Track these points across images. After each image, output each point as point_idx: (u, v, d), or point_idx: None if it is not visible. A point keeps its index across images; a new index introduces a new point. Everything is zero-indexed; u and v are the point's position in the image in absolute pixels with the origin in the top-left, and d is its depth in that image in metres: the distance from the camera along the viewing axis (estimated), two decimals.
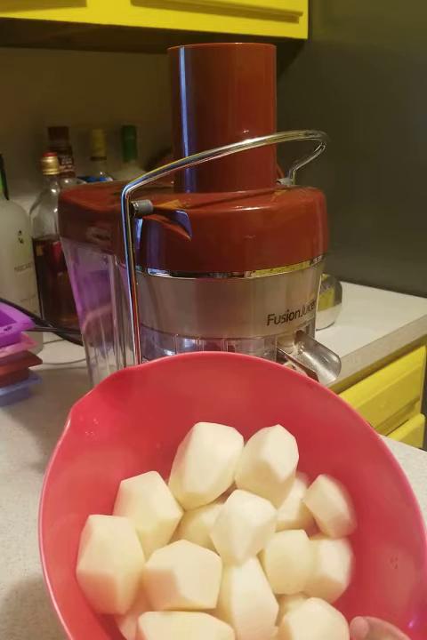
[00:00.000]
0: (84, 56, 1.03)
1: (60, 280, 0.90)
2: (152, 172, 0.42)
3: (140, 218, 0.44)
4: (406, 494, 0.33)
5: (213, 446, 0.36)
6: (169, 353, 0.48)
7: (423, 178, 1.02)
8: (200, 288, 0.44)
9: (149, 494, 0.35)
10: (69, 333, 0.84)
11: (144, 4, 0.80)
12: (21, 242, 0.82)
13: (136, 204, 0.43)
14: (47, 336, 0.89)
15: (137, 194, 0.43)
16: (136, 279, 0.45)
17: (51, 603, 0.27)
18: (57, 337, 0.88)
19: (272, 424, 0.37)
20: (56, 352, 0.86)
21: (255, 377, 0.39)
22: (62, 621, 0.27)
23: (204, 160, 0.42)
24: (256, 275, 0.43)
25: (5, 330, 0.68)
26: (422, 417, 1.11)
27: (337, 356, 0.47)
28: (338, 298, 0.96)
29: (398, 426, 1.07)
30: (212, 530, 0.34)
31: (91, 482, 0.36)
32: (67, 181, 0.94)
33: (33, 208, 0.91)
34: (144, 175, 0.42)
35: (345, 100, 1.09)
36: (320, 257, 0.47)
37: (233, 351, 0.46)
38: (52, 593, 0.27)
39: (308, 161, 0.53)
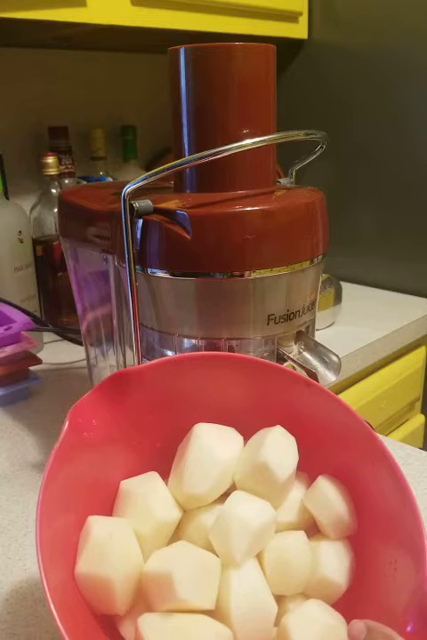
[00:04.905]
0: (84, 56, 1.03)
1: (60, 280, 0.90)
2: (152, 172, 0.42)
3: (140, 218, 0.44)
4: (406, 496, 0.33)
5: (212, 447, 0.36)
6: (169, 353, 0.48)
7: (424, 178, 1.02)
8: (200, 288, 0.44)
9: (148, 495, 0.35)
10: (69, 333, 0.84)
11: (144, 4, 0.80)
12: (21, 242, 0.82)
13: (136, 204, 0.43)
14: (47, 336, 0.89)
15: (137, 194, 0.43)
16: (136, 279, 0.45)
17: (47, 604, 0.27)
18: (57, 337, 0.88)
19: (272, 424, 0.37)
20: (56, 352, 0.86)
21: (255, 377, 0.39)
22: (58, 623, 0.27)
23: (204, 160, 0.42)
24: (256, 275, 0.43)
25: (5, 330, 0.68)
26: (422, 417, 1.11)
27: (337, 356, 0.47)
28: (338, 298, 0.96)
29: (398, 426, 1.07)
30: (211, 531, 0.34)
31: (89, 482, 0.36)
32: (67, 181, 0.94)
33: (33, 208, 0.91)
34: (144, 175, 0.42)
35: (345, 100, 1.09)
36: (320, 257, 0.47)
37: (233, 351, 0.46)
38: (48, 594, 0.27)
39: (308, 161, 0.53)
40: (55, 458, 0.32)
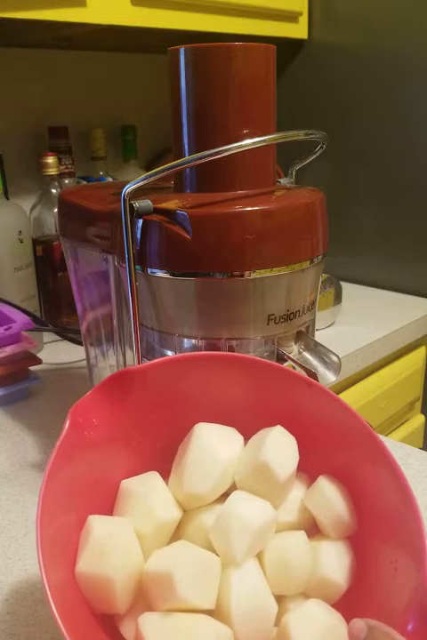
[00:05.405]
0: (84, 56, 1.03)
1: (60, 280, 0.90)
2: (152, 172, 0.42)
3: (140, 218, 0.44)
4: (406, 495, 0.33)
5: (213, 447, 0.36)
6: (169, 353, 0.48)
7: (424, 178, 1.02)
8: (200, 288, 0.44)
9: (148, 494, 0.35)
10: (69, 333, 0.84)
11: (144, 4, 0.80)
12: (21, 242, 0.82)
13: (136, 204, 0.43)
14: (47, 336, 0.89)
15: (137, 194, 0.43)
16: (136, 279, 0.45)
17: (48, 603, 0.27)
18: (57, 337, 0.88)
19: (273, 424, 0.37)
20: (56, 352, 0.86)
21: (255, 377, 0.39)
22: (59, 621, 0.27)
23: (204, 160, 0.42)
24: (256, 275, 0.43)
25: (5, 330, 0.68)
26: (422, 417, 1.11)
27: (337, 356, 0.47)
28: (338, 298, 0.96)
29: (398, 426, 1.07)
30: (211, 530, 0.34)
31: (90, 482, 0.36)
32: (67, 181, 0.94)
33: (33, 208, 0.91)
34: (144, 175, 0.42)
35: (345, 100, 1.09)
36: (320, 257, 0.47)
37: (233, 351, 0.46)
38: (49, 593, 0.27)
39: (308, 161, 0.53)
40: (56, 456, 0.32)
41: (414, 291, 1.09)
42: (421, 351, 1.06)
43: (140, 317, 0.46)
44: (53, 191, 0.89)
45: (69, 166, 0.95)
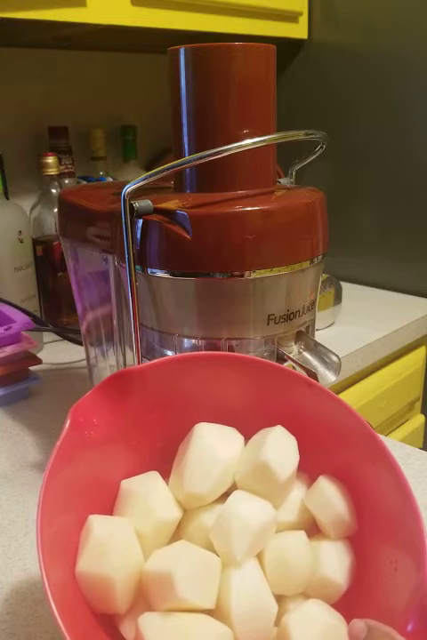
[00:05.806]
0: (84, 56, 1.03)
1: (60, 280, 0.90)
2: (152, 172, 0.42)
3: (140, 218, 0.44)
4: (406, 496, 0.33)
5: (213, 447, 0.36)
6: (169, 353, 0.48)
7: (424, 178, 1.02)
8: (200, 288, 0.44)
9: (149, 494, 0.35)
10: (69, 333, 0.84)
11: (144, 4, 0.80)
12: (21, 242, 0.82)
13: (136, 204, 0.43)
14: (47, 336, 0.89)
15: (137, 194, 0.43)
16: (136, 279, 0.45)
17: (48, 602, 0.27)
18: (57, 337, 0.88)
19: (273, 424, 0.37)
20: (56, 352, 0.86)
21: (256, 377, 0.39)
22: (59, 621, 0.27)
23: (204, 160, 0.42)
24: (256, 275, 0.43)
25: (5, 330, 0.68)
26: (422, 417, 1.11)
27: (337, 356, 0.47)
28: (338, 298, 0.96)
29: (398, 426, 1.07)
30: (211, 530, 0.34)
31: (90, 481, 0.36)
32: (67, 181, 0.94)
33: (33, 208, 0.91)
34: (144, 175, 0.42)
35: (345, 100, 1.09)
36: (320, 257, 0.47)
37: (233, 351, 0.46)
38: (49, 592, 0.27)
39: (308, 161, 0.53)
40: (56, 456, 0.32)
41: (415, 291, 1.09)
42: (421, 351, 1.06)
43: (140, 317, 0.46)
44: (53, 191, 0.89)
45: (69, 166, 0.95)
